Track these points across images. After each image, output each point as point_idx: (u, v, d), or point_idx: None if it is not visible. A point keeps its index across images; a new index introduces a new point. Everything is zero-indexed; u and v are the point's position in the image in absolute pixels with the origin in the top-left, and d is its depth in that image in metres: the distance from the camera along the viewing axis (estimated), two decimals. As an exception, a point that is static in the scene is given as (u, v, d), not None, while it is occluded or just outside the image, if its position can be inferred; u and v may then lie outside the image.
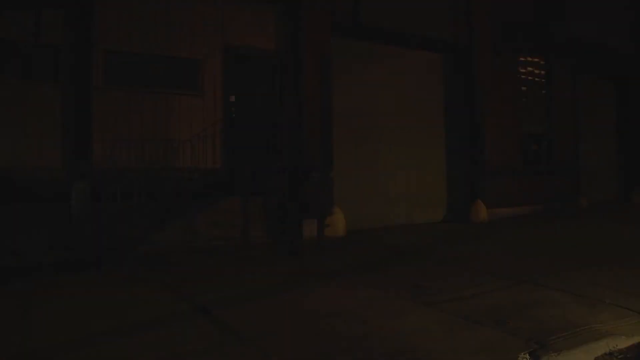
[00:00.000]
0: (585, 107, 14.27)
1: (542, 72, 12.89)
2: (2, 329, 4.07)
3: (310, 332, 3.86)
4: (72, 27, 7.41)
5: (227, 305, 4.62)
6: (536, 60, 12.76)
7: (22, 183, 6.91)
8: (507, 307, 4.41)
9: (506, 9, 11.75)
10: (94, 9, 7.55)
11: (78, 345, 3.67)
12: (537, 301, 4.56)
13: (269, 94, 9.09)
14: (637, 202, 14.28)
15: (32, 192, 6.94)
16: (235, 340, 3.74)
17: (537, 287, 5.08)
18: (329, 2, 9.19)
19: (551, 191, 12.51)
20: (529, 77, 12.65)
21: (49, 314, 4.46)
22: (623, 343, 3.60)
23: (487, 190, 11.05)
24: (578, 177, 13.40)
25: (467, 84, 11.25)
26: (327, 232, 8.07)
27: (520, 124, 12.31)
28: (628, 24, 15.18)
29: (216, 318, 4.23)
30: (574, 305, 4.43)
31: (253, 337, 3.77)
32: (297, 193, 8.73)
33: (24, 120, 7.17)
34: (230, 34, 8.68)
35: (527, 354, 3.36)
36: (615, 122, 15.57)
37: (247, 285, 5.39)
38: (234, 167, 8.24)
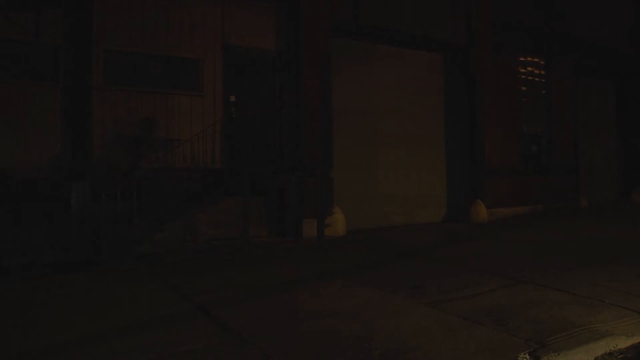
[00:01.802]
0: (585, 107, 14.28)
1: (542, 72, 12.89)
2: (2, 328, 4.07)
3: (310, 332, 3.86)
4: (72, 26, 7.42)
5: (227, 305, 4.63)
6: (536, 60, 12.76)
7: (23, 183, 6.91)
8: (507, 307, 4.41)
9: (506, 9, 11.75)
10: (94, 9, 7.56)
11: (78, 345, 3.67)
12: (537, 301, 4.55)
13: (269, 94, 9.09)
14: (637, 202, 14.28)
15: (32, 191, 6.94)
16: (235, 340, 3.74)
17: (537, 287, 5.08)
18: (329, 2, 9.19)
19: (551, 191, 12.51)
20: (529, 77, 12.65)
21: (48, 313, 4.47)
22: (623, 343, 3.60)
23: (487, 190, 11.06)
24: (578, 177, 13.41)
25: (467, 84, 11.25)
26: (327, 232, 8.08)
27: (520, 123, 12.33)
28: (628, 24, 15.18)
29: (216, 318, 4.24)
30: (574, 305, 4.43)
31: (253, 337, 3.77)
32: (297, 193, 8.74)
33: (24, 120, 7.17)
34: (230, 34, 8.69)
35: (527, 354, 3.36)
36: (615, 122, 15.57)
37: (247, 285, 5.39)
38: (233, 167, 8.25)
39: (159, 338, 3.77)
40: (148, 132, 7.88)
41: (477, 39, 11.19)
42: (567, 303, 4.49)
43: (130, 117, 7.83)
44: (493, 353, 3.39)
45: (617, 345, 3.55)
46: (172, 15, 8.21)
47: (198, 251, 7.51)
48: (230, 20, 8.71)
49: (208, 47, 8.51)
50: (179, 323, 4.14)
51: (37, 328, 4.09)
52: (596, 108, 14.92)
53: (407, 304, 4.59)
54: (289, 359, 3.38)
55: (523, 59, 12.49)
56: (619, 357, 3.45)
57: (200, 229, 8.14)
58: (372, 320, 4.08)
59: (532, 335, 3.68)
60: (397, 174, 10.42)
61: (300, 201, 8.72)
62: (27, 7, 7.18)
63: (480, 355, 3.35)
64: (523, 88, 12.49)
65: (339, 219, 8.92)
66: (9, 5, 7.07)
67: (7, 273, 6.16)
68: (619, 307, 4.34)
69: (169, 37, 8.18)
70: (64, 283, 5.62)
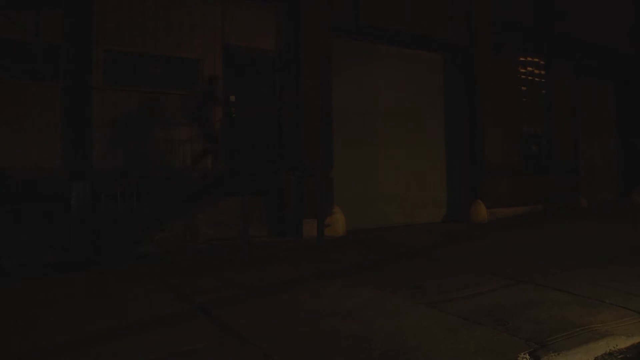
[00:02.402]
0: (585, 107, 14.29)
1: (542, 72, 12.89)
2: (3, 328, 4.07)
3: (310, 332, 3.86)
4: (72, 26, 7.42)
5: (227, 305, 4.63)
6: (536, 60, 12.76)
7: (23, 183, 6.91)
8: (507, 307, 4.41)
9: (506, 9, 11.75)
10: (94, 9, 7.55)
11: (78, 345, 3.67)
12: (537, 301, 4.56)
13: (269, 94, 9.09)
14: (637, 202, 14.28)
15: (32, 191, 6.94)
16: (235, 340, 3.74)
17: (537, 287, 5.08)
18: (329, 2, 9.19)
19: (551, 191, 12.51)
20: (529, 77, 12.66)
21: (48, 313, 4.46)
22: (623, 343, 3.60)
23: (487, 190, 11.06)
24: (578, 177, 13.41)
25: (467, 84, 11.25)
26: (327, 232, 8.08)
27: (520, 123, 12.33)
28: (628, 24, 15.19)
29: (216, 318, 4.24)
30: (574, 305, 4.43)
31: (253, 337, 3.77)
32: (296, 193, 8.74)
33: (24, 120, 7.17)
34: (230, 34, 8.68)
35: (527, 354, 3.36)
36: (615, 122, 15.58)
37: (247, 285, 5.39)
38: (233, 167, 8.25)
39: (159, 338, 3.77)
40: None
41: (477, 39, 11.19)
42: (567, 303, 4.49)
43: (130, 116, 7.82)
44: (493, 353, 3.39)
45: (617, 345, 3.55)
46: (172, 15, 8.20)
47: (198, 251, 7.51)
48: (230, 20, 8.70)
49: (208, 47, 8.51)
50: (179, 323, 4.14)
51: (37, 328, 4.08)
52: (596, 108, 14.92)
53: (407, 304, 4.59)
54: (289, 359, 3.38)
55: (523, 59, 12.49)
56: (619, 357, 3.45)
57: (200, 229, 8.14)
58: (372, 320, 4.08)
59: (532, 335, 3.68)
60: (397, 174, 10.41)
61: (300, 201, 8.72)
62: (27, 7, 7.17)
63: (480, 355, 3.35)
64: (523, 88, 12.49)
65: (339, 219, 8.92)
66: (9, 5, 7.06)
67: (7, 273, 6.16)
68: (619, 307, 4.34)
69: (169, 37, 8.17)
70: (64, 283, 5.63)
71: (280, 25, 9.14)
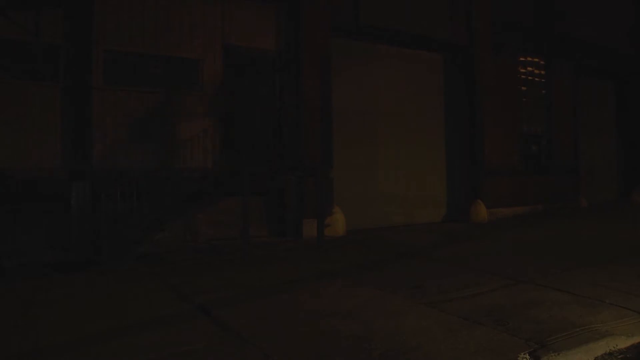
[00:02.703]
0: (585, 107, 14.29)
1: (542, 72, 12.90)
2: (3, 328, 4.07)
3: (310, 332, 3.86)
4: (72, 26, 7.42)
5: (227, 305, 4.63)
6: (536, 60, 12.76)
7: (23, 183, 6.91)
8: (507, 307, 4.41)
9: (506, 9, 11.76)
10: (94, 9, 7.55)
11: (78, 345, 3.67)
12: (537, 301, 4.56)
13: (269, 94, 9.09)
14: (637, 202, 14.28)
15: (32, 191, 6.94)
16: (235, 340, 3.74)
17: (537, 287, 5.08)
18: (329, 2, 9.20)
19: (551, 191, 12.51)
20: (529, 77, 12.66)
21: (48, 313, 4.46)
22: (623, 343, 3.60)
23: (487, 190, 11.06)
24: (578, 177, 13.42)
25: (467, 84, 11.25)
26: (327, 232, 8.08)
27: (520, 123, 12.34)
28: (628, 24, 15.19)
29: (216, 318, 4.24)
30: (574, 305, 4.43)
31: (253, 337, 3.77)
32: (297, 193, 8.74)
33: (24, 120, 7.17)
34: (230, 34, 8.68)
35: (527, 354, 3.36)
36: (615, 122, 15.58)
37: (247, 285, 5.39)
38: (233, 167, 8.25)
39: (159, 338, 3.77)
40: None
41: (477, 39, 11.19)
42: (567, 303, 4.49)
43: (130, 116, 7.82)
44: (493, 353, 3.39)
45: (617, 345, 3.55)
46: (172, 15, 8.20)
47: (198, 251, 7.51)
48: (230, 20, 8.70)
49: (208, 47, 8.51)
50: (179, 323, 4.14)
51: (37, 328, 4.08)
52: (596, 108, 14.92)
53: (407, 304, 4.59)
54: (289, 359, 3.38)
55: (523, 59, 12.49)
56: (619, 357, 3.45)
57: (200, 229, 8.14)
58: (372, 320, 4.08)
59: (532, 335, 3.68)
60: (397, 174, 10.42)
61: (300, 201, 8.72)
62: (27, 7, 7.18)
63: (480, 355, 3.35)
64: (523, 88, 12.49)
65: (339, 219, 8.92)
66: (9, 5, 7.06)
67: (8, 273, 6.16)
68: (619, 307, 4.34)
69: (169, 37, 8.17)
70: (64, 283, 5.63)
71: (280, 25, 9.14)
